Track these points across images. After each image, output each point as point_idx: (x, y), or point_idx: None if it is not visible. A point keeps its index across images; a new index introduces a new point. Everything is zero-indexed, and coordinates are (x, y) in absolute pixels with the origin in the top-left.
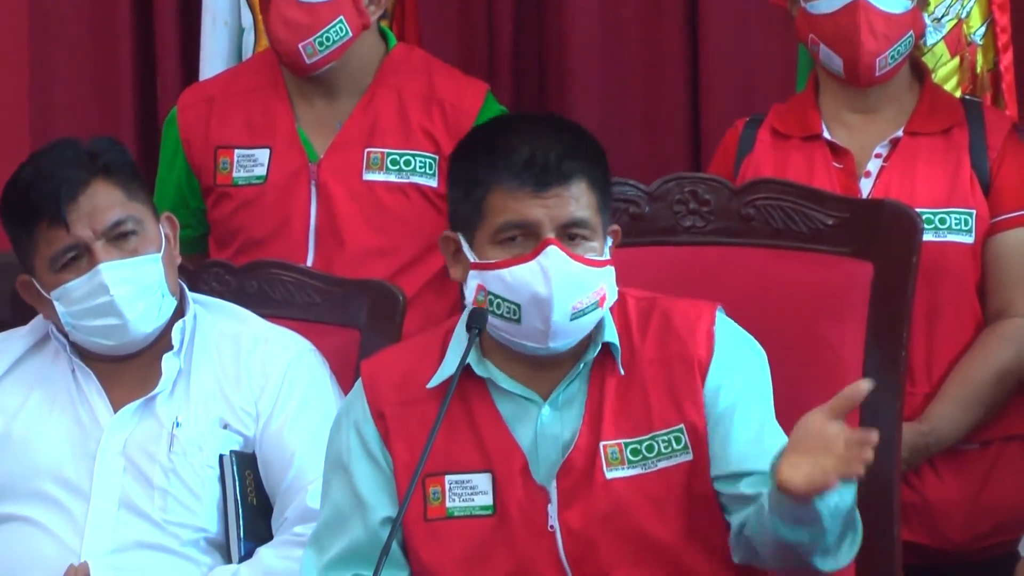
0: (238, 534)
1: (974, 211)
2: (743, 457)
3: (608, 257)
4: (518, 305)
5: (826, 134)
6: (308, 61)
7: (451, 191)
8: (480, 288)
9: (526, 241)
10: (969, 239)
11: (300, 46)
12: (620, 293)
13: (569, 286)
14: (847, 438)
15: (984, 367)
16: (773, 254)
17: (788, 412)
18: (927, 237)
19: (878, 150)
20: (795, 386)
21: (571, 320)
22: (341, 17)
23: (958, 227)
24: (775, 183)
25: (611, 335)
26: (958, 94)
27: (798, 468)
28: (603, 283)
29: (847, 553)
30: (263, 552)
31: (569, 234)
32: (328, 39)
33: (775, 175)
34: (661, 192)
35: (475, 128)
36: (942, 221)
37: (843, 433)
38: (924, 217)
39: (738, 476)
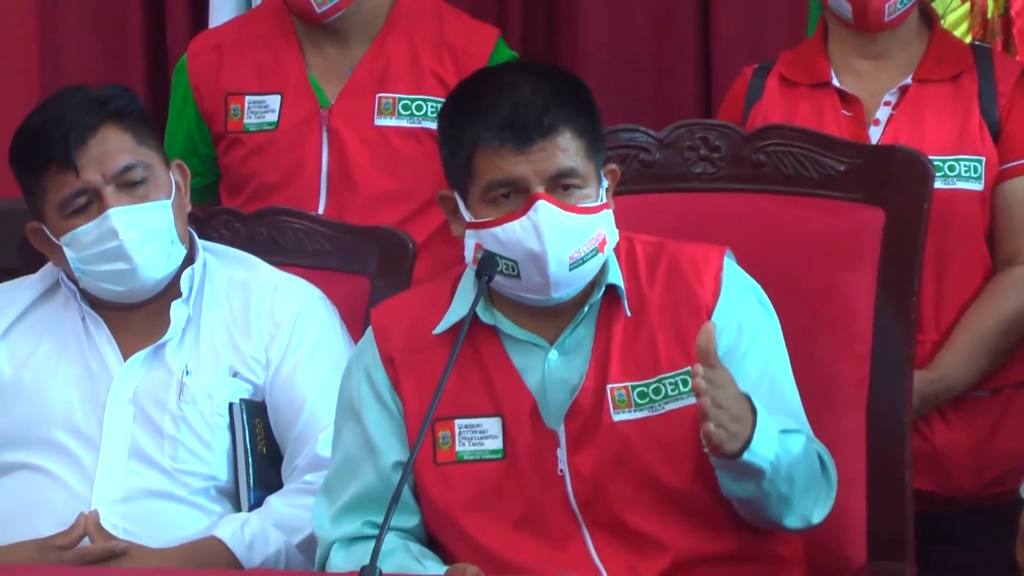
0: (248, 482)
1: (983, 158)
2: None
3: (605, 200)
4: (515, 261)
5: (835, 81)
6: (319, 10)
7: (442, 150)
8: (478, 247)
9: (516, 197)
10: (978, 186)
11: None
12: (628, 238)
13: (563, 237)
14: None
15: (993, 314)
16: (784, 200)
17: (798, 359)
18: (936, 185)
19: (887, 97)
20: (805, 332)
21: (571, 270)
22: None
23: (967, 174)
24: (786, 129)
25: (616, 277)
26: (968, 40)
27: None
28: (601, 227)
29: (817, 509)
30: (273, 500)
31: (559, 185)
32: None
33: (784, 123)
34: (672, 139)
35: (459, 84)
36: (951, 168)
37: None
38: (934, 164)
39: None
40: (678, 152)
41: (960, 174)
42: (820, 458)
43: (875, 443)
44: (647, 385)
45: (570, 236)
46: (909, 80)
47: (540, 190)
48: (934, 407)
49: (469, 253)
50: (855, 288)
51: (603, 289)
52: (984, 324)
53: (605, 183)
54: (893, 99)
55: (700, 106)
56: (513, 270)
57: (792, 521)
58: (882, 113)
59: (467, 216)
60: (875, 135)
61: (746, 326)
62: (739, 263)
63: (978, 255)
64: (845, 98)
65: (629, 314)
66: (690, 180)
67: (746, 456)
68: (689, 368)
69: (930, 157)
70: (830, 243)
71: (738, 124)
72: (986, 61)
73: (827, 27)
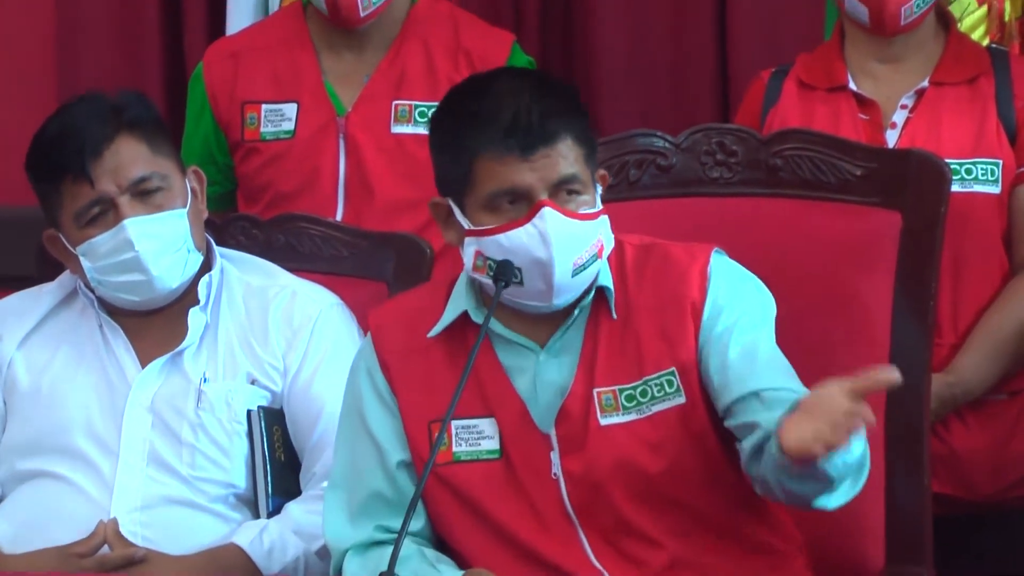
0: (266, 490)
1: (1000, 161)
2: (741, 380)
3: (600, 207)
4: (519, 268)
5: (852, 85)
6: (363, 14)
7: (436, 156)
8: (478, 254)
9: (519, 204)
10: (996, 189)
11: None
12: (618, 240)
13: (568, 244)
14: (846, 409)
15: (1011, 317)
16: (801, 205)
17: (816, 363)
18: (953, 188)
19: (904, 101)
20: (823, 336)
21: (573, 276)
22: None
23: (984, 177)
24: (803, 133)
25: (605, 279)
26: (985, 43)
27: (798, 431)
28: (599, 233)
29: (848, 493)
30: (291, 507)
31: (561, 191)
32: None
33: (801, 126)
34: (688, 143)
35: (452, 91)
36: (968, 171)
37: (845, 404)
38: (951, 167)
39: (742, 399)
40: (695, 156)
41: (977, 177)
42: None
43: (893, 446)
44: (634, 388)
45: (574, 242)
46: (926, 83)
47: (544, 197)
48: (952, 410)
49: (468, 260)
50: (872, 292)
51: (592, 292)
52: (1002, 327)
53: (599, 188)
54: (910, 102)
55: (717, 110)
56: (517, 277)
57: (828, 503)
58: (899, 116)
59: (465, 223)
60: (892, 138)
61: (742, 310)
62: (756, 268)
63: (995, 258)
64: (862, 101)
65: (615, 317)
66: (707, 184)
67: (823, 464)
68: (674, 368)
69: (947, 160)
70: (847, 247)
71: (755, 128)
72: (1003, 64)
73: (843, 31)
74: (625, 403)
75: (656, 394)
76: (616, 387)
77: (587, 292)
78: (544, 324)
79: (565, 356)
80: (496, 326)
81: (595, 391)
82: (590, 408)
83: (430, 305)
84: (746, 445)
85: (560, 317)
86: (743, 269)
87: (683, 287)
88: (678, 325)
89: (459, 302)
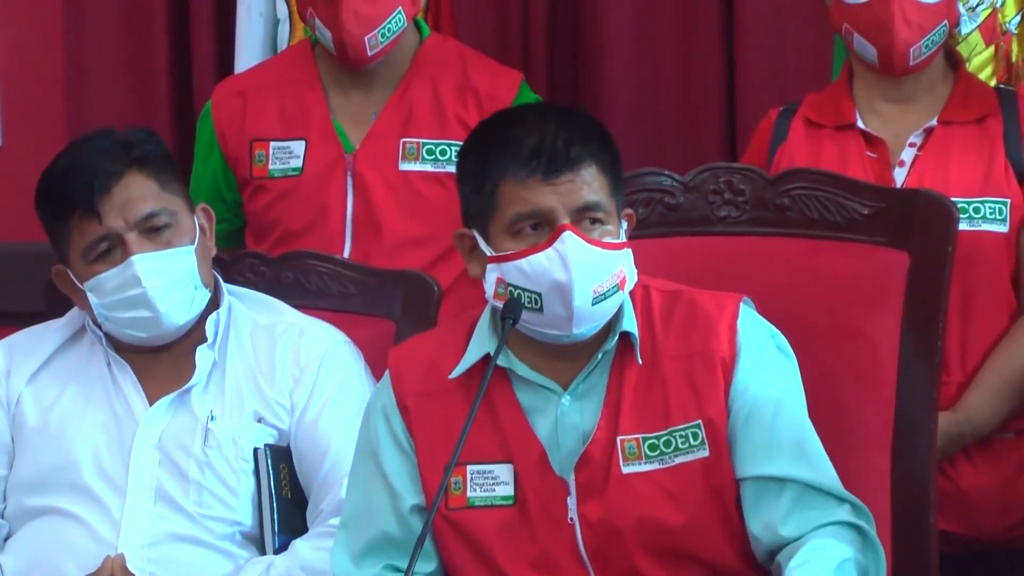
0: (272, 527)
1: (1008, 200)
2: (761, 461)
3: (624, 240)
4: (539, 294)
5: (860, 123)
6: (370, 53)
7: (461, 187)
8: (500, 281)
9: (541, 229)
10: (1004, 228)
11: (366, 38)
12: (645, 285)
13: (588, 270)
14: None
15: (1019, 356)
16: (808, 244)
17: (822, 402)
18: (961, 227)
19: (912, 139)
20: (830, 377)
21: (593, 305)
22: (400, 7)
23: (992, 216)
24: (810, 172)
25: (630, 324)
26: (993, 83)
27: None
28: (622, 266)
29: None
30: (299, 544)
31: (584, 219)
32: (389, 30)
33: (809, 165)
34: (696, 182)
35: (480, 124)
36: (976, 210)
37: None
38: (959, 206)
39: (759, 479)
40: (702, 196)
41: (985, 216)
42: (862, 531)
43: (900, 485)
44: (658, 437)
45: (595, 269)
46: (934, 122)
47: (566, 221)
48: (960, 448)
49: (490, 288)
50: (880, 331)
51: (616, 336)
52: (1010, 365)
53: (624, 224)
54: (918, 140)
55: (725, 148)
56: (536, 303)
57: None
58: (907, 154)
59: (488, 251)
60: (900, 176)
61: (770, 382)
62: (763, 307)
63: (1003, 297)
64: (870, 140)
65: (641, 363)
66: (714, 224)
67: None
68: (700, 421)
69: (955, 199)
70: (855, 286)
71: (763, 166)
72: (1011, 104)
73: (852, 70)
74: (648, 452)
75: (680, 445)
76: (640, 435)
77: (609, 334)
78: (566, 366)
79: (588, 400)
80: (518, 367)
81: (619, 439)
82: (612, 455)
83: (451, 346)
84: (760, 537)
85: (582, 359)
86: (767, 324)
87: (711, 341)
88: (707, 379)
89: (481, 343)
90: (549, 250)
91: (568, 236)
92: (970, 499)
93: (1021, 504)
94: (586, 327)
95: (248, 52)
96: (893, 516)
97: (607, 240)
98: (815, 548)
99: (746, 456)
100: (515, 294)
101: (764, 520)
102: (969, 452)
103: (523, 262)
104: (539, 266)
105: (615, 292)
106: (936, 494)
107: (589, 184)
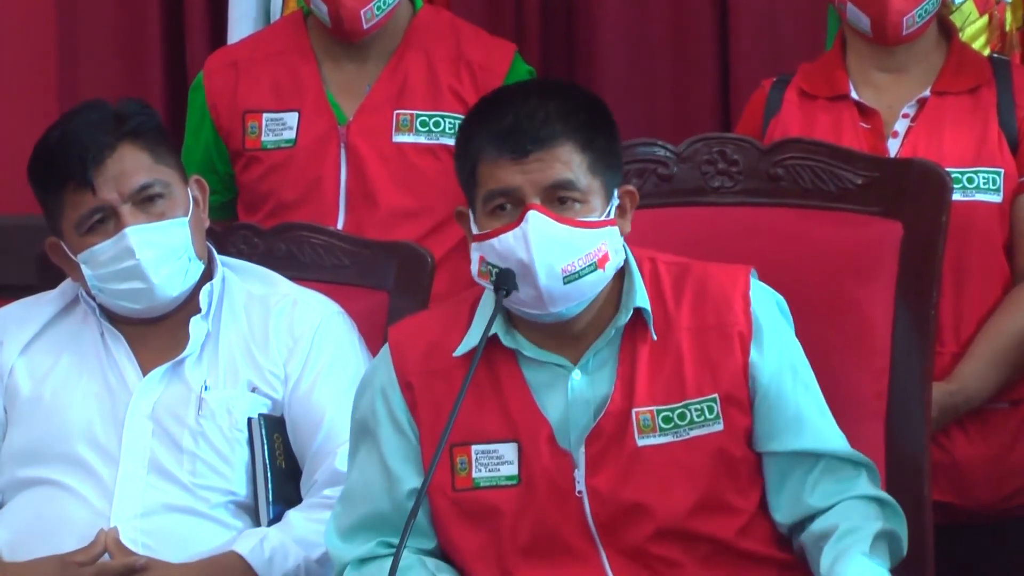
0: (267, 497)
1: (1002, 170)
2: (792, 436)
3: (610, 217)
4: (512, 273)
5: (853, 94)
6: (366, 26)
7: (455, 164)
8: (481, 260)
9: (514, 209)
10: (997, 198)
11: (362, 12)
12: (651, 259)
13: (552, 249)
14: None
15: (1012, 326)
16: (802, 214)
17: (816, 372)
18: (955, 197)
19: (905, 110)
20: (824, 347)
21: (565, 283)
22: None
23: (986, 186)
24: (804, 143)
25: (643, 300)
26: (986, 52)
27: None
28: (602, 243)
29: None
30: (292, 515)
31: (557, 197)
32: (385, 3)
33: (802, 135)
34: (689, 153)
35: (477, 102)
36: (970, 180)
37: None
38: (952, 176)
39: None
40: (696, 166)
41: (979, 186)
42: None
43: (894, 456)
44: (672, 410)
45: (560, 248)
46: (927, 92)
47: (535, 201)
48: (953, 419)
49: (474, 266)
50: (873, 301)
51: (631, 312)
52: (1003, 336)
53: (616, 202)
54: (912, 111)
55: (718, 119)
56: (511, 282)
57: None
58: (900, 125)
59: (475, 229)
60: (893, 147)
61: (784, 354)
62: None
63: (997, 267)
64: (863, 110)
65: (655, 338)
66: (708, 194)
67: None
68: (716, 395)
69: (948, 169)
70: (848, 256)
71: (757, 137)
72: (1004, 73)
73: (845, 40)
74: (662, 424)
75: (695, 419)
76: (655, 407)
77: (618, 310)
78: (575, 344)
79: (600, 374)
80: (524, 346)
81: (634, 411)
82: (627, 427)
83: (454, 324)
84: (784, 509)
85: (591, 336)
86: (773, 293)
87: (727, 315)
88: (723, 353)
89: (484, 321)
90: (516, 229)
91: (532, 215)
92: (964, 470)
93: (1015, 474)
94: (563, 306)
95: (241, 24)
96: (887, 487)
97: (582, 219)
98: (845, 533)
99: (774, 432)
100: (493, 273)
101: (792, 493)
102: (963, 422)
103: (495, 241)
104: (507, 245)
105: (592, 271)
106: (930, 465)
107: (563, 161)
